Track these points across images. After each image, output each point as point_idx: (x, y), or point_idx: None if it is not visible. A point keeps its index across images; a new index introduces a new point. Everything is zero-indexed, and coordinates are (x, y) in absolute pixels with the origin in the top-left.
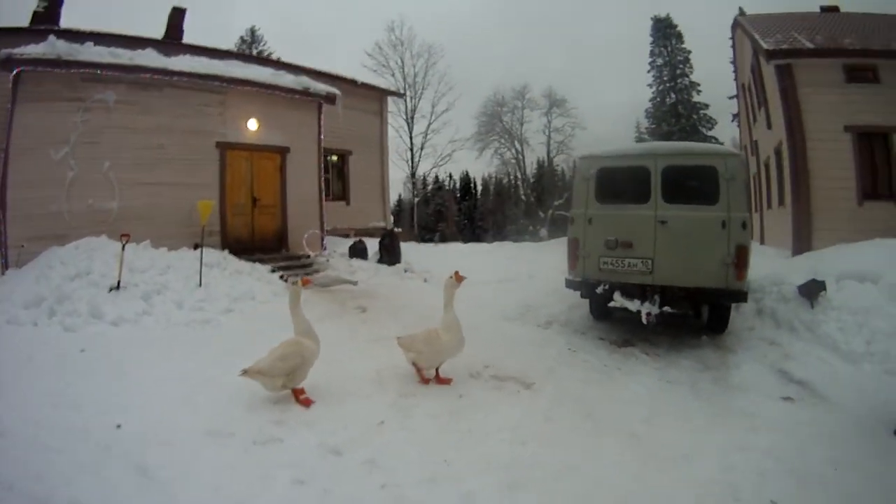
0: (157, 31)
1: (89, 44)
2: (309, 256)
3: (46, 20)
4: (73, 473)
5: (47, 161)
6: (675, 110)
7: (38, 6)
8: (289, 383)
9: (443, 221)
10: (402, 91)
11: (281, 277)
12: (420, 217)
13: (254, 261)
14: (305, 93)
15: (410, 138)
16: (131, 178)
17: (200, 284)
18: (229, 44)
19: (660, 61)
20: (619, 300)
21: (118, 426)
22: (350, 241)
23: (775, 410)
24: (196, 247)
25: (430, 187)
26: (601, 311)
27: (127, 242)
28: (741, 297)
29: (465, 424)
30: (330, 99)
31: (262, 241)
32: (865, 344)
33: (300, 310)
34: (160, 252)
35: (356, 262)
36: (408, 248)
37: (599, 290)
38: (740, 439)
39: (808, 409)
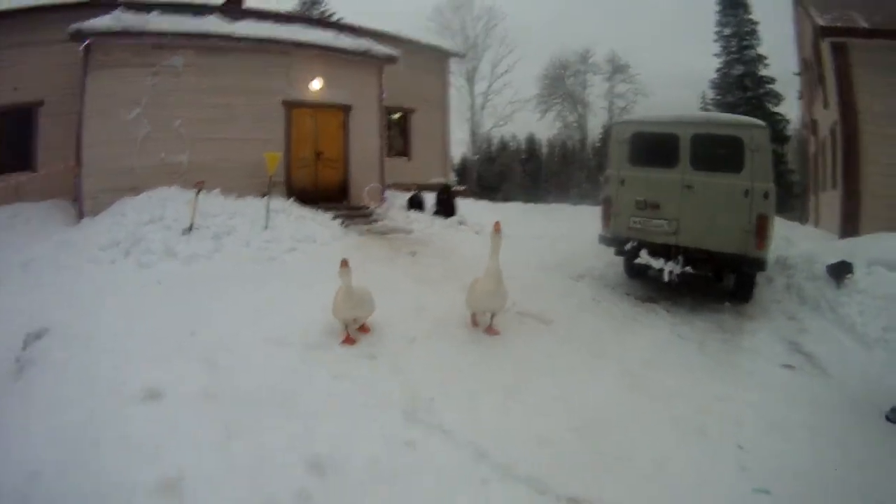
0: None
1: (155, 13)
2: (369, 208)
3: None
4: (153, 363)
5: (119, 121)
6: (742, 82)
7: None
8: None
9: (506, 181)
10: (463, 52)
11: (341, 223)
12: (484, 176)
13: (317, 209)
14: (366, 54)
15: (472, 98)
16: (201, 135)
17: (266, 227)
18: (290, 5)
19: (727, 31)
20: (644, 258)
21: (192, 333)
22: (409, 195)
23: (772, 374)
24: (263, 195)
25: (493, 147)
26: (632, 268)
27: (200, 190)
28: (760, 265)
29: (482, 348)
30: (390, 60)
31: (325, 192)
32: (882, 330)
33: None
34: (229, 200)
35: (413, 213)
36: (466, 204)
37: (628, 247)
38: (727, 391)
39: (805, 378)
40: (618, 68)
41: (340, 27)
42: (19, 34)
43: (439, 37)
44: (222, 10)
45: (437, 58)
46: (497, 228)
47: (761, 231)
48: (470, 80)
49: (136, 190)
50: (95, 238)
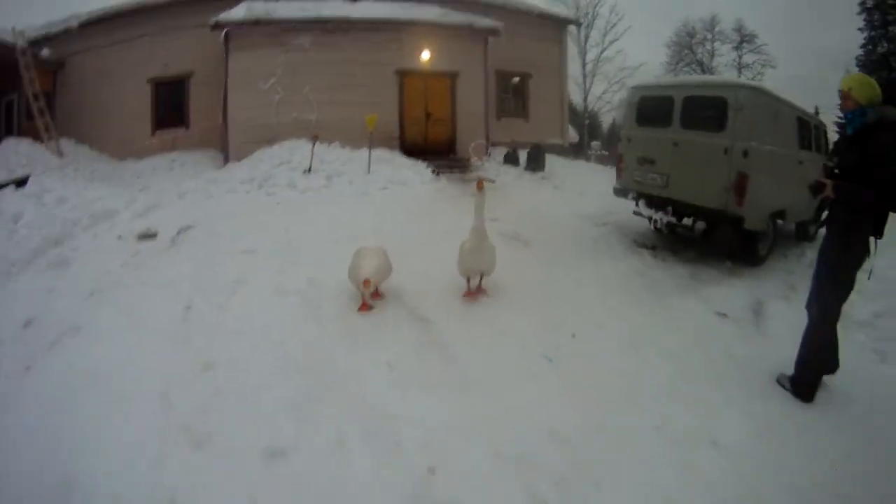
0: None
1: (282, 1)
2: (468, 160)
3: None
4: (254, 239)
5: (258, 90)
6: (887, 61)
7: None
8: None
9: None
10: (578, 20)
11: (433, 171)
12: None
13: (424, 160)
14: (470, 27)
15: (583, 64)
16: (326, 99)
17: (368, 172)
18: None
19: (870, 3)
20: (641, 208)
21: (286, 230)
22: (505, 151)
23: (698, 317)
24: (378, 147)
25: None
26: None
27: (316, 141)
28: (738, 222)
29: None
30: (493, 32)
31: (434, 146)
32: (872, 315)
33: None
34: (346, 150)
35: (506, 167)
36: (560, 163)
37: (629, 197)
38: (644, 319)
39: (730, 328)
40: (745, 38)
41: (455, 1)
42: (170, 20)
43: (555, 4)
44: None
45: (553, 25)
46: (479, 186)
47: (740, 188)
48: (580, 47)
49: (271, 141)
50: (236, 176)
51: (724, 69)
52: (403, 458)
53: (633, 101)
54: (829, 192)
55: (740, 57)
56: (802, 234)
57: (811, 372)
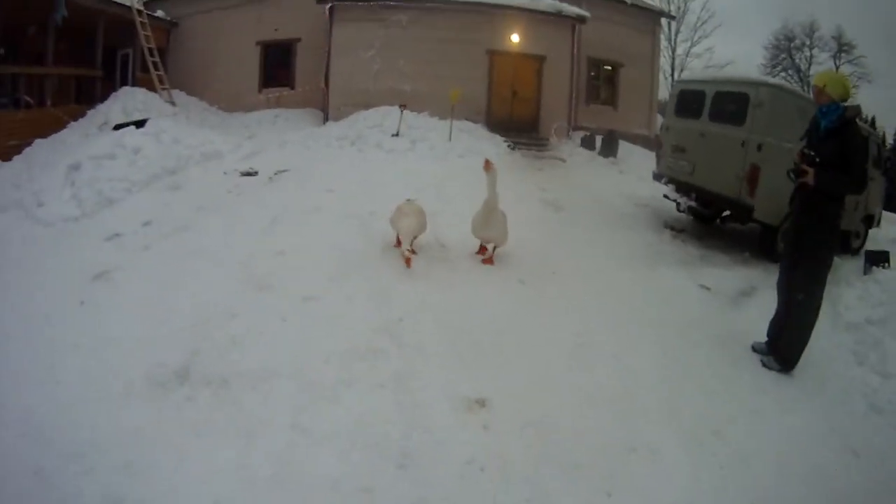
0: None
1: None
2: (548, 139)
3: None
4: (336, 182)
5: (358, 58)
6: None
7: None
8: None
9: None
10: (672, 14)
11: (508, 146)
12: None
13: (506, 135)
14: (559, 14)
15: (672, 58)
16: (420, 71)
17: (450, 140)
18: None
19: None
20: (669, 192)
21: (364, 180)
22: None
23: (684, 288)
24: (464, 119)
25: None
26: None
27: (405, 109)
28: (748, 210)
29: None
30: (580, 20)
31: (518, 123)
32: (864, 320)
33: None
34: (433, 119)
35: (580, 149)
36: (639, 152)
37: (662, 181)
38: (627, 278)
39: (711, 300)
40: (843, 47)
41: None
42: None
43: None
44: None
45: (648, 16)
46: (487, 167)
47: (752, 179)
48: (670, 41)
49: (368, 106)
50: (333, 133)
51: None
52: (387, 310)
53: (674, 94)
54: (810, 179)
55: (837, 67)
56: None
57: (797, 349)
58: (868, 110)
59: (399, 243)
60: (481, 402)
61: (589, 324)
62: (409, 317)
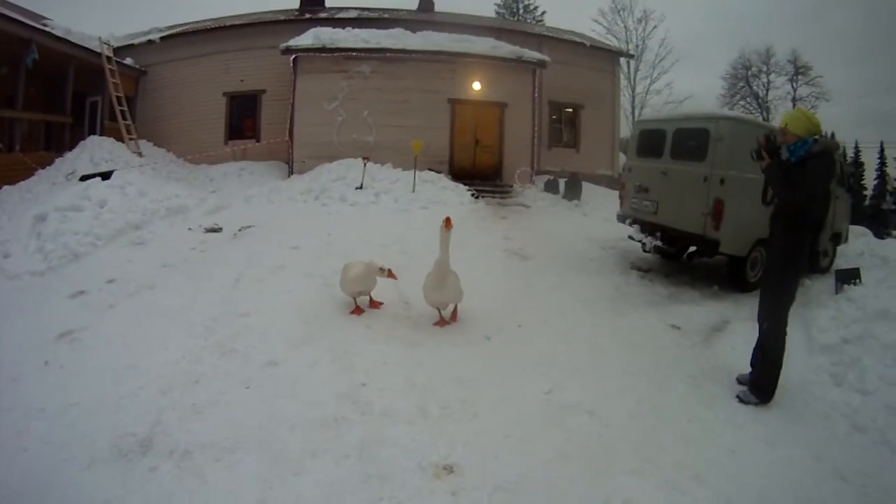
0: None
1: (349, 28)
2: (511, 186)
3: (312, 3)
4: (301, 238)
5: (322, 110)
6: None
7: None
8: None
9: None
10: (631, 52)
11: (472, 195)
12: None
13: (470, 184)
14: (519, 60)
15: (632, 97)
16: (383, 122)
17: (413, 191)
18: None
19: None
20: (634, 233)
21: (328, 234)
22: (546, 179)
23: (654, 328)
24: (427, 170)
25: None
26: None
27: (367, 162)
28: (715, 245)
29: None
30: (541, 65)
31: (481, 171)
32: (840, 340)
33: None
34: (396, 171)
35: (544, 194)
36: (602, 193)
37: (627, 222)
38: (595, 322)
39: (683, 340)
40: (799, 69)
41: (511, 33)
42: (245, 41)
43: (606, 38)
44: (408, 22)
45: (606, 57)
46: (447, 225)
47: (717, 214)
48: (630, 79)
49: (332, 158)
50: (296, 187)
51: (779, 102)
52: (350, 375)
53: (634, 135)
54: (765, 166)
55: (795, 90)
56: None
57: (772, 377)
58: (827, 126)
59: (357, 308)
60: (449, 468)
61: (559, 377)
62: (373, 380)
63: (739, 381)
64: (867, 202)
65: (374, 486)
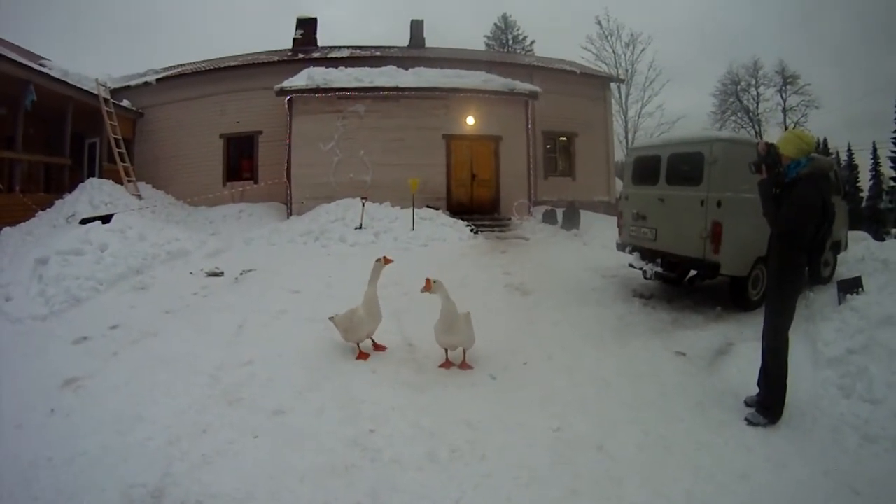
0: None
1: (342, 67)
2: (510, 219)
3: (305, 43)
4: (301, 281)
5: (318, 150)
6: None
7: (296, 34)
8: (348, 337)
9: None
10: (622, 77)
11: (471, 230)
12: None
13: (468, 219)
14: (511, 93)
15: (625, 121)
16: (380, 161)
17: (413, 229)
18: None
19: None
20: (634, 261)
21: (329, 276)
22: (543, 209)
23: (658, 356)
24: (425, 207)
25: None
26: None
27: (366, 201)
28: (716, 268)
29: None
30: (533, 96)
31: (478, 206)
32: (845, 351)
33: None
34: (395, 209)
35: (542, 225)
36: (600, 220)
37: (626, 251)
38: (600, 356)
39: (687, 367)
40: (788, 79)
41: (503, 66)
42: (240, 83)
43: (596, 64)
44: (400, 59)
45: (597, 83)
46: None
47: (716, 237)
48: (621, 103)
49: (330, 199)
50: (296, 228)
51: (770, 114)
52: (358, 421)
53: (629, 162)
54: (759, 182)
55: (784, 100)
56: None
57: (778, 395)
58: (819, 133)
59: (361, 353)
60: None
61: (566, 414)
62: (381, 426)
63: (747, 403)
64: (864, 203)
65: None
